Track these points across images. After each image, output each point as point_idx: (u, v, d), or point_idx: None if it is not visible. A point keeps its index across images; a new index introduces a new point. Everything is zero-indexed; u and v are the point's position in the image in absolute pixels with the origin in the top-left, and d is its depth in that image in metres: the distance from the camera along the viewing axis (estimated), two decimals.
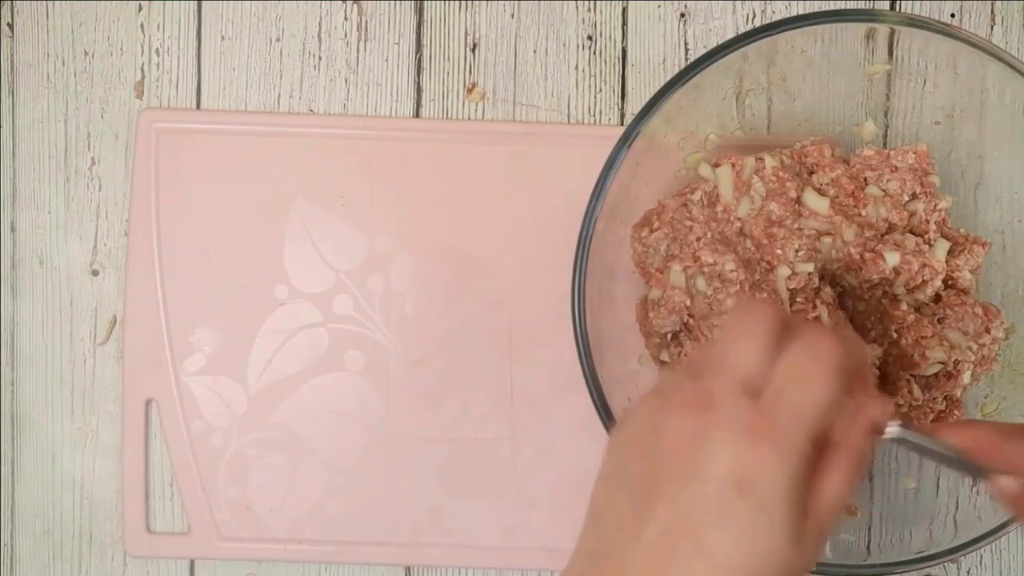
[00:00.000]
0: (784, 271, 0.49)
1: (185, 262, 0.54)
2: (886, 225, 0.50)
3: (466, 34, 0.56)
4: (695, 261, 0.49)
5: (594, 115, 0.56)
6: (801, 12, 0.53)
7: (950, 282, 0.50)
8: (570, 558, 0.33)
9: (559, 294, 0.49)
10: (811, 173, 0.51)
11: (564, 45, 0.55)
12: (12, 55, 0.56)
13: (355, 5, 0.56)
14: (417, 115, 0.56)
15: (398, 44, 0.56)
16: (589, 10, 0.55)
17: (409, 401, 0.54)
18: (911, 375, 0.49)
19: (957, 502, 0.51)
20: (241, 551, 0.54)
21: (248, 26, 0.56)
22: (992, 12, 0.55)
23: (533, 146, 0.55)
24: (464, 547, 0.54)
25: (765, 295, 0.49)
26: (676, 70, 0.52)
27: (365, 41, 0.56)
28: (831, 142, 0.52)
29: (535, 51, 0.55)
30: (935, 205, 0.50)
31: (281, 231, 0.55)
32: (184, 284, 0.54)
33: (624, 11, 0.55)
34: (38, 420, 0.56)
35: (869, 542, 0.52)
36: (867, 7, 0.55)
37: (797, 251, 0.49)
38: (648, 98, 0.46)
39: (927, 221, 0.50)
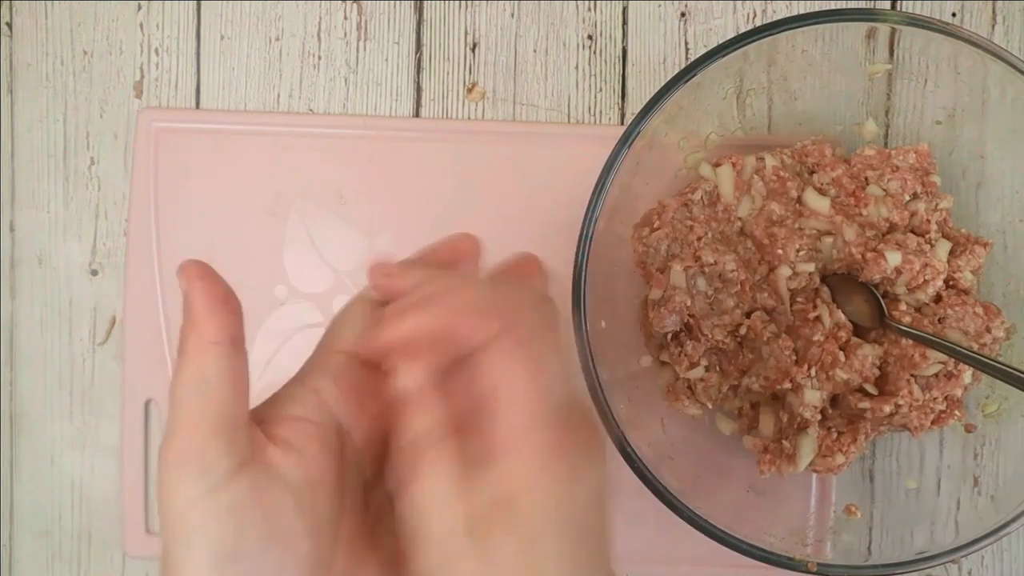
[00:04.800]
0: (785, 271, 0.49)
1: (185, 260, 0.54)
2: (887, 225, 0.50)
3: (466, 34, 0.55)
4: (696, 261, 0.48)
5: (594, 115, 0.55)
6: (802, 12, 0.53)
7: (951, 282, 0.50)
8: None
9: (560, 294, 0.49)
10: (812, 173, 0.51)
11: (564, 45, 0.55)
12: (11, 55, 0.56)
13: (355, 5, 0.55)
14: (417, 115, 0.56)
15: (398, 44, 0.56)
16: (589, 10, 0.55)
17: None
18: (911, 375, 0.49)
19: (958, 503, 0.51)
20: None
21: (248, 26, 0.55)
22: (993, 12, 0.55)
23: (533, 146, 0.55)
24: None
25: (765, 295, 0.49)
26: (676, 70, 0.52)
27: (365, 41, 0.56)
28: (832, 141, 0.52)
29: (535, 51, 0.55)
30: (936, 205, 0.50)
31: (280, 231, 0.54)
32: None
33: (624, 10, 0.55)
34: (37, 420, 0.56)
35: (870, 543, 0.52)
36: (868, 6, 0.55)
37: (798, 251, 0.49)
38: (648, 98, 0.46)
39: (928, 221, 0.50)
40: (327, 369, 0.31)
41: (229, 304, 0.29)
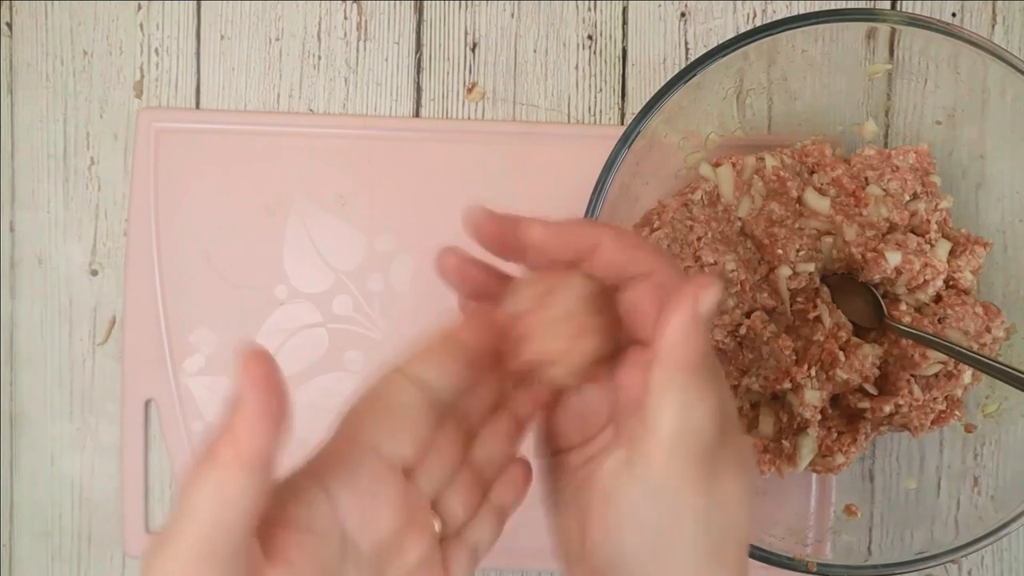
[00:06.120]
0: (785, 271, 0.49)
1: (184, 262, 0.54)
2: (887, 225, 0.50)
3: (466, 34, 0.55)
4: (696, 261, 0.48)
5: (594, 115, 0.55)
6: (802, 12, 0.53)
7: (951, 282, 0.50)
8: None
9: None
10: (812, 173, 0.51)
11: (564, 45, 0.55)
12: (11, 55, 0.56)
13: (355, 5, 0.55)
14: (417, 115, 0.56)
15: (398, 44, 0.56)
16: (589, 10, 0.55)
17: None
18: (911, 375, 0.49)
19: (958, 503, 0.51)
20: None
21: (248, 26, 0.55)
22: (993, 12, 0.55)
23: (533, 146, 0.55)
24: None
25: (765, 295, 0.49)
26: (676, 70, 0.52)
27: (365, 41, 0.56)
28: (832, 141, 0.52)
29: (535, 51, 0.55)
30: (936, 205, 0.50)
31: (281, 231, 0.54)
32: (183, 284, 0.54)
33: (624, 11, 0.55)
34: (37, 420, 0.56)
35: (870, 542, 0.52)
36: (868, 6, 0.55)
37: (798, 251, 0.49)
38: (648, 98, 0.46)
39: (928, 221, 0.50)
40: (347, 468, 0.29)
41: (279, 424, 0.26)
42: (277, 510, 0.28)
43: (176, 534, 0.26)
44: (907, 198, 0.50)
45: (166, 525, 0.26)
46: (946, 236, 0.50)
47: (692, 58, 0.50)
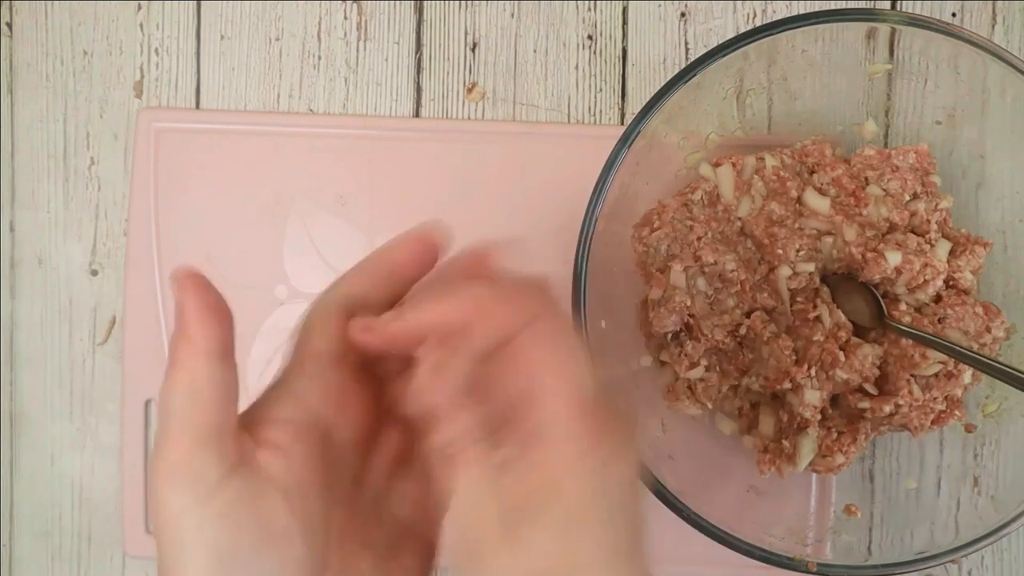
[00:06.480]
0: (785, 271, 0.49)
1: (184, 262, 0.54)
2: (887, 225, 0.50)
3: (466, 34, 0.55)
4: (696, 261, 0.49)
5: (594, 115, 0.55)
6: (802, 12, 0.53)
7: (951, 282, 0.50)
8: None
9: (559, 294, 0.49)
10: (812, 173, 0.51)
11: (564, 45, 0.55)
12: (11, 55, 0.56)
13: (355, 5, 0.55)
14: (417, 115, 0.56)
15: (398, 44, 0.56)
16: (589, 10, 0.55)
17: None
18: (911, 375, 0.49)
19: (958, 503, 0.51)
20: None
21: (247, 26, 0.55)
22: (993, 11, 0.55)
23: (533, 146, 0.55)
24: None
25: (765, 295, 0.49)
26: (676, 70, 0.52)
27: (365, 41, 0.56)
28: (832, 141, 0.52)
29: (535, 51, 0.55)
30: (936, 205, 0.50)
31: (281, 231, 0.54)
32: None
33: (624, 11, 0.55)
34: (37, 420, 0.56)
35: (870, 543, 0.52)
36: (868, 6, 0.55)
37: (798, 251, 0.49)
38: (648, 98, 0.46)
39: (928, 221, 0.50)
40: (305, 371, 0.31)
41: (221, 314, 0.29)
42: (256, 414, 0.30)
43: (167, 435, 0.28)
44: (907, 198, 0.50)
45: (156, 433, 0.28)
46: (946, 236, 0.50)
47: (692, 58, 0.50)
